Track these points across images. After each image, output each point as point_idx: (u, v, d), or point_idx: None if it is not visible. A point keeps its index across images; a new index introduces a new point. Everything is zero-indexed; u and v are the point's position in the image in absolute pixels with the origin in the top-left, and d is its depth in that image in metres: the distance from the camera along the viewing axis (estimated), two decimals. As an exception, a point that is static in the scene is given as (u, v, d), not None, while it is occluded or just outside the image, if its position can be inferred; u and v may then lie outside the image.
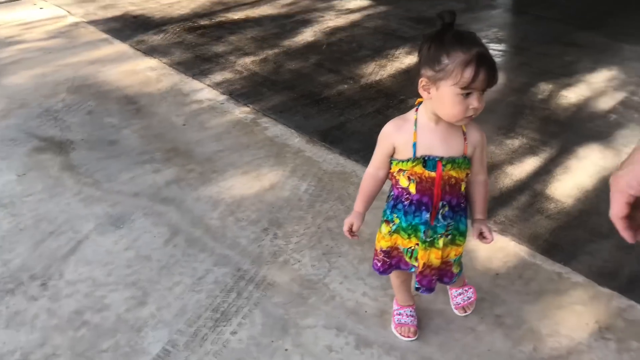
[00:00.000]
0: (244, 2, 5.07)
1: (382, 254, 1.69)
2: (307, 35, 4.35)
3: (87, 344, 1.80)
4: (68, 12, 4.79)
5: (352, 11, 4.87)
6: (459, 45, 1.34)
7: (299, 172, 2.68)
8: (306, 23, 4.58)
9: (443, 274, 1.71)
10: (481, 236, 1.64)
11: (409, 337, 1.84)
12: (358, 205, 1.66)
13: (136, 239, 2.25)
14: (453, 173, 1.52)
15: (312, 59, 3.92)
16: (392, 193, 1.61)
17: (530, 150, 2.88)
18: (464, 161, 1.52)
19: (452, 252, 1.65)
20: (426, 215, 1.55)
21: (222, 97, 3.39)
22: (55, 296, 1.97)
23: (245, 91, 3.46)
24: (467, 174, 1.56)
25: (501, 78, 3.58)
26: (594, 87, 3.52)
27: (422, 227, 1.57)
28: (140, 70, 3.73)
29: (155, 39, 4.25)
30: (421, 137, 1.49)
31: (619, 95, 3.42)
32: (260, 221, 2.36)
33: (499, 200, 2.51)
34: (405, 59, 3.87)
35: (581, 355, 1.78)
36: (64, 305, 1.94)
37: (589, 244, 2.25)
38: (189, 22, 4.58)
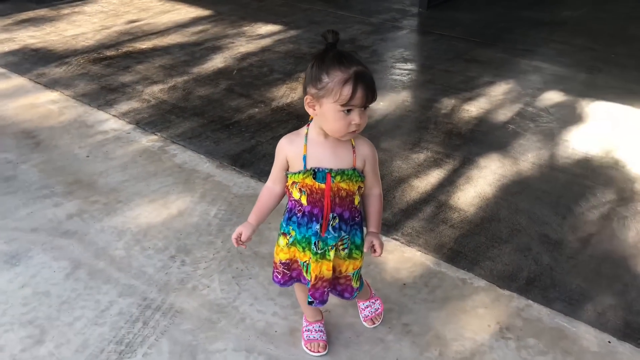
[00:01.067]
0: (152, 32, 5.01)
1: (282, 266, 1.69)
2: (217, 61, 4.35)
3: (-25, 393, 1.67)
4: (-38, 46, 4.55)
5: (262, 36, 4.92)
6: (338, 65, 1.39)
7: (208, 197, 2.65)
8: (216, 50, 4.58)
9: (343, 290, 1.72)
10: (372, 249, 1.65)
11: (318, 352, 1.84)
12: (251, 216, 1.67)
13: (34, 275, 2.13)
14: (343, 185, 1.55)
15: (222, 85, 3.92)
16: (287, 206, 1.63)
17: (434, 163, 3.00)
18: (354, 173, 1.55)
19: (350, 266, 1.67)
20: (316, 227, 1.58)
21: (129, 127, 3.31)
22: (-61, 345, 1.83)
23: (152, 120, 3.40)
24: (360, 187, 1.59)
25: (407, 95, 3.77)
26: (493, 100, 3.74)
27: (313, 239, 1.59)
28: (40, 104, 3.58)
29: (57, 71, 4.10)
30: (311, 150, 1.53)
31: (516, 107, 3.65)
32: (167, 249, 2.30)
33: (405, 213, 2.58)
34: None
35: (484, 356, 1.85)
36: (-51, 353, 1.80)
37: (490, 250, 2.36)
38: (94, 53, 4.47)
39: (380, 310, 1.97)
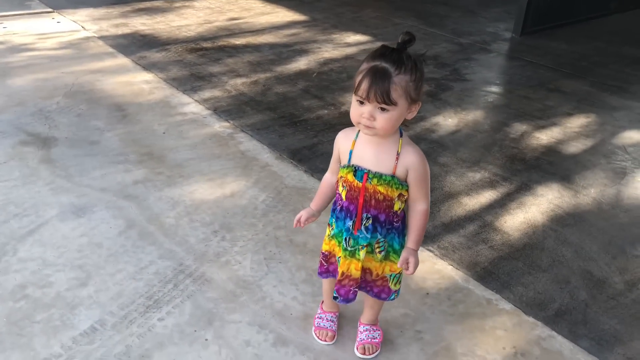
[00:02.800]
0: (248, 30, 5.31)
1: (322, 257, 1.77)
2: (300, 63, 4.54)
3: (22, 315, 1.91)
4: (82, 27, 5.08)
5: (349, 45, 5.07)
6: (370, 57, 1.45)
7: (261, 184, 2.81)
8: (302, 52, 4.78)
9: (380, 291, 1.75)
10: (405, 265, 1.62)
11: (325, 340, 1.91)
12: (312, 202, 1.77)
13: (93, 227, 2.39)
14: (381, 189, 1.55)
15: (300, 85, 4.10)
16: (335, 198, 1.71)
17: (489, 184, 2.97)
18: (393, 180, 1.54)
19: (387, 268, 1.69)
20: (349, 223, 1.62)
21: (206, 112, 3.56)
22: (4, 270, 2.10)
23: (229, 108, 3.63)
24: (402, 195, 1.57)
25: (479, 115, 3.74)
26: (567, 132, 3.61)
27: (344, 234, 1.64)
28: (135, 83, 3.94)
29: (157, 56, 4.48)
30: (358, 147, 1.58)
31: (590, 141, 3.51)
32: (212, 224, 2.48)
33: (447, 227, 2.59)
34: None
35: (492, 374, 1.84)
36: (10, 279, 2.06)
37: (525, 276, 2.32)
38: (192, 43, 4.82)
39: (378, 340, 1.89)
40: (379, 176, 1.54)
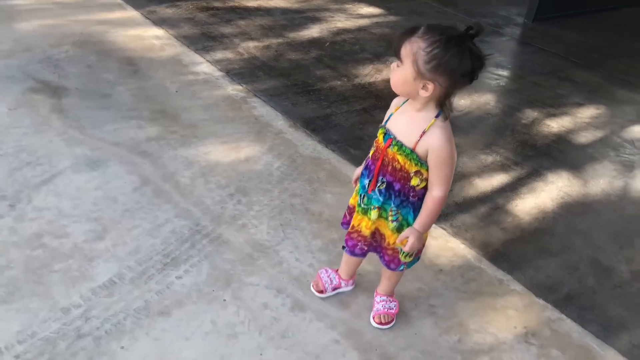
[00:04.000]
0: (260, -8, 5.21)
1: (347, 209, 1.81)
2: (313, 31, 4.47)
3: (40, 263, 1.90)
4: (90, -26, 4.93)
5: (362, 16, 5.00)
6: None
7: (275, 151, 2.79)
8: (315, 20, 4.71)
9: (390, 260, 1.76)
10: (402, 241, 1.64)
11: (316, 290, 1.95)
12: None
13: (107, 181, 2.35)
14: (399, 158, 1.55)
15: (312, 53, 4.04)
16: None
17: (501, 167, 2.98)
18: (412, 155, 1.53)
19: (397, 240, 1.68)
20: (365, 181, 1.65)
21: (219, 74, 3.50)
22: (20, 217, 2.08)
23: (241, 72, 3.57)
24: (420, 173, 1.55)
25: (491, 99, 3.73)
26: (578, 122, 3.63)
27: (361, 191, 1.68)
28: (146, 37, 3.85)
29: (167, 11, 4.37)
30: (397, 113, 1.60)
31: (600, 133, 3.53)
32: (228, 186, 2.46)
33: (459, 206, 2.60)
34: (403, 68, 3.98)
35: (502, 353, 1.87)
36: (26, 226, 2.04)
37: (536, 260, 2.35)
38: (202, 1, 4.71)
39: (394, 311, 1.92)
40: (400, 145, 1.55)
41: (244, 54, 3.85)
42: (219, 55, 3.77)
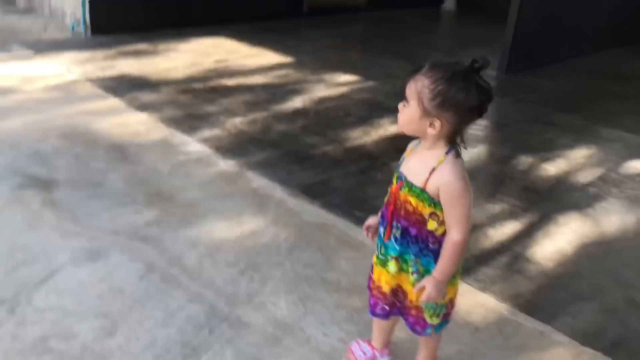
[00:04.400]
0: (237, 71, 5.26)
1: (371, 268, 1.69)
2: (296, 102, 4.49)
3: (46, 372, 1.71)
4: (67, 70, 4.93)
5: (341, 84, 5.06)
6: None
7: (279, 221, 2.68)
8: (296, 92, 4.74)
9: (414, 322, 1.62)
10: (420, 291, 1.51)
11: None
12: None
13: (111, 272, 2.20)
14: (411, 199, 1.46)
15: (299, 123, 4.03)
16: None
17: (510, 215, 2.92)
18: (423, 194, 1.44)
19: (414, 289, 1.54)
20: (381, 229, 1.58)
21: (209, 151, 3.44)
22: (21, 322, 1.90)
23: (231, 147, 3.52)
24: (434, 214, 1.45)
25: (482, 150, 3.72)
26: (573, 163, 3.64)
27: (378, 241, 1.60)
28: (130, 123, 3.80)
29: (148, 97, 4.36)
30: (411, 155, 1.54)
31: (598, 171, 3.53)
32: (237, 264, 2.32)
33: (479, 259, 2.51)
34: (390, 127, 3.99)
35: (561, 410, 1.72)
36: (29, 331, 1.86)
37: (570, 306, 2.24)
38: (183, 84, 4.72)
39: None
40: (410, 186, 1.47)
41: (232, 129, 3.82)
42: (207, 133, 3.72)
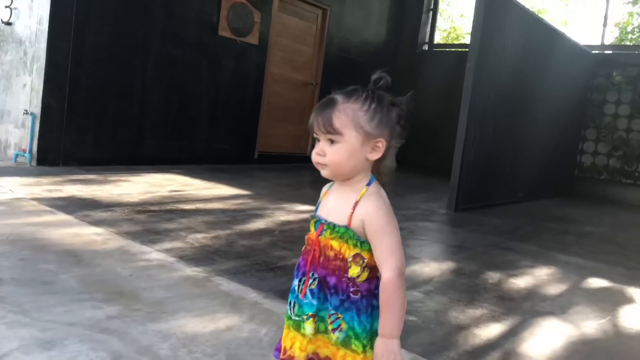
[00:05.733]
0: (194, 199, 5.19)
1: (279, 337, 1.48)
2: (259, 224, 4.41)
3: None
4: (10, 190, 4.69)
5: (301, 212, 5.07)
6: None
7: (257, 319, 2.45)
8: (257, 216, 4.69)
9: None
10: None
11: None
12: None
13: (70, 359, 1.87)
14: (334, 243, 1.31)
15: (265, 240, 3.92)
16: None
17: (492, 318, 2.83)
18: (347, 233, 1.30)
19: (348, 359, 1.31)
20: (295, 281, 1.40)
21: (172, 259, 3.22)
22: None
23: (195, 257, 3.32)
24: (360, 257, 1.30)
25: (450, 266, 3.71)
26: (539, 278, 3.67)
27: (290, 297, 1.41)
28: (84, 234, 3.55)
29: (102, 215, 4.15)
30: (327, 196, 1.42)
31: (564, 285, 3.57)
32: (217, 354, 2.05)
33: (472, 355, 2.36)
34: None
35: None
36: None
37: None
38: (138, 207, 4.57)
39: None
40: (332, 227, 1.32)
41: (194, 243, 3.64)
42: (168, 245, 3.52)
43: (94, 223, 3.86)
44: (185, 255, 3.32)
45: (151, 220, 4.14)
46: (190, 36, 7.51)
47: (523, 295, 3.28)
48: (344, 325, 1.30)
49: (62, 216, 3.99)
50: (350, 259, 1.30)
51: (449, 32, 19.16)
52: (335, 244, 1.31)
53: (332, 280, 1.31)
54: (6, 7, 6.69)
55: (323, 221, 1.35)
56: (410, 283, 3.26)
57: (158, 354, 2.00)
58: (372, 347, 1.29)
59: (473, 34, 5.92)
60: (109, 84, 6.77)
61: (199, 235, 3.84)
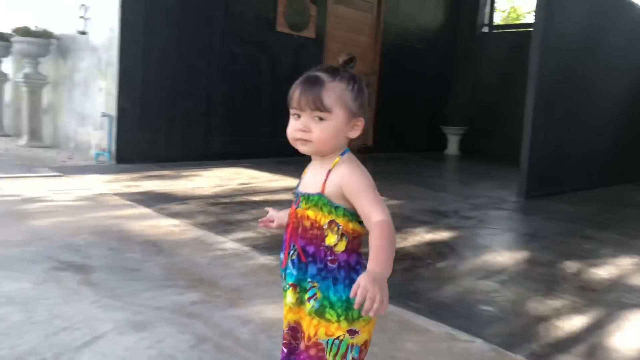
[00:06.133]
0: (262, 191, 5.31)
1: None
2: (327, 214, 4.46)
3: None
4: (93, 186, 4.96)
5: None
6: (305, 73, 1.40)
7: (334, 306, 2.49)
8: (325, 207, 4.73)
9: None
10: (353, 294, 1.20)
11: None
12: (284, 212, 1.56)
13: (160, 340, 1.97)
14: (309, 213, 1.33)
15: (334, 230, 3.95)
16: None
17: (574, 310, 2.73)
18: (320, 199, 1.31)
19: (322, 330, 1.29)
20: (281, 255, 1.43)
21: (246, 248, 3.32)
22: (61, 381, 1.65)
23: (268, 246, 3.40)
24: (335, 223, 1.30)
25: (525, 256, 3.61)
26: (623, 268, 3.51)
27: (281, 271, 1.43)
28: (163, 226, 3.72)
29: (177, 207, 4.33)
30: (305, 174, 1.45)
31: (649, 277, 3.39)
32: (297, 339, 2.10)
33: (556, 347, 2.29)
34: (426, 235, 3.92)
35: None
36: (71, 390, 1.60)
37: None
38: (210, 199, 4.73)
39: None
40: (307, 197, 1.35)
41: (266, 233, 3.73)
42: (241, 235, 3.62)
43: (171, 215, 4.03)
44: (257, 245, 3.41)
45: (224, 212, 4.27)
46: (249, 34, 7.66)
47: (606, 286, 3.15)
48: (319, 295, 1.30)
49: (142, 209, 4.19)
50: (325, 227, 1.31)
51: (509, 13, 18.51)
52: (311, 213, 1.33)
53: (310, 249, 1.33)
54: (80, 17, 7.05)
55: (299, 195, 1.39)
56: (483, 273, 3.20)
57: (240, 337, 2.08)
58: (346, 318, 1.28)
59: (537, 12, 5.70)
60: (177, 84, 7.02)
61: (271, 226, 3.92)
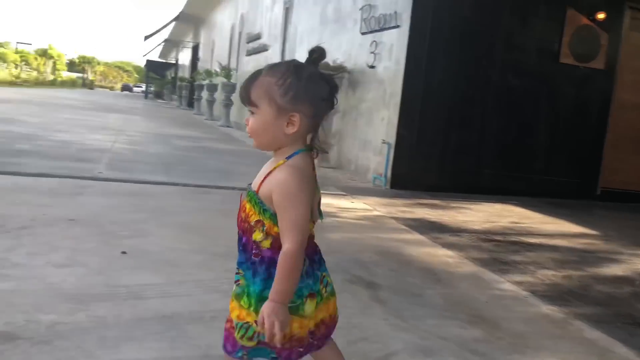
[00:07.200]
0: (536, 233, 5.05)
1: None
2: (614, 269, 4.02)
3: None
4: (374, 208, 5.38)
5: (666, 263, 4.42)
6: None
7: (634, 378, 2.23)
8: (610, 260, 4.28)
9: (226, 336, 1.40)
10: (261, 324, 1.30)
11: None
12: None
13: (455, 371, 2.05)
14: (247, 206, 1.38)
15: (626, 289, 3.54)
16: None
17: None
18: (254, 197, 1.36)
19: (235, 312, 1.38)
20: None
21: (525, 293, 3.20)
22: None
23: (548, 294, 3.22)
24: (261, 223, 1.34)
25: None
26: None
27: None
28: (438, 255, 3.83)
29: (450, 239, 4.41)
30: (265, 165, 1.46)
31: None
32: (593, 405, 1.95)
33: None
34: None
35: None
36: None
37: None
38: (481, 235, 4.69)
39: None
40: (248, 191, 1.41)
41: (545, 279, 3.54)
42: (518, 277, 3.51)
43: (445, 246, 4.13)
44: (537, 291, 3.26)
45: (497, 250, 4.20)
46: (529, 65, 7.40)
47: None
48: (242, 281, 1.38)
49: (417, 236, 4.39)
50: (253, 224, 1.35)
51: None
52: (248, 206, 1.38)
53: (244, 239, 1.39)
54: (371, 52, 7.75)
55: (249, 184, 1.43)
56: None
57: (530, 387, 2.01)
58: (255, 310, 1.33)
59: None
60: (452, 115, 7.18)
61: (549, 272, 3.72)
